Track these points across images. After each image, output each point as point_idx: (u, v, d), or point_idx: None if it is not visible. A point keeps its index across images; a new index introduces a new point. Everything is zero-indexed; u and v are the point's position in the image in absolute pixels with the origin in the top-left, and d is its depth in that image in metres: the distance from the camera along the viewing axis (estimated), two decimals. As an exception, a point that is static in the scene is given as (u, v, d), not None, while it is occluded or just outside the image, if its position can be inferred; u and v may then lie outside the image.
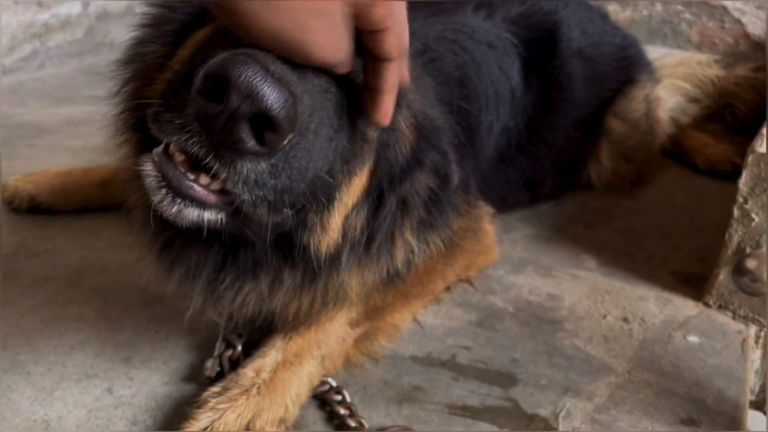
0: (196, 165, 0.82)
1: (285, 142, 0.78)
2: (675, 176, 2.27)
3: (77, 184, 1.82)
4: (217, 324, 1.37)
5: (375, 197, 1.09)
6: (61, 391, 1.24)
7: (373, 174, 1.06)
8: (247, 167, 0.79)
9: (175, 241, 1.08)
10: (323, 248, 1.06)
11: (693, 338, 1.47)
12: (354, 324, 1.33)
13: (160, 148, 0.86)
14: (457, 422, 1.21)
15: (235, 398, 1.14)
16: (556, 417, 1.23)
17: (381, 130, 1.02)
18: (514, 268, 1.70)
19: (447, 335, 1.44)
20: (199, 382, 1.25)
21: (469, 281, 1.61)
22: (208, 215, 0.87)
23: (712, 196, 2.12)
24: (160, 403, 1.22)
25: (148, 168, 0.86)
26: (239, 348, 1.28)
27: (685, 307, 1.58)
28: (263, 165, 0.80)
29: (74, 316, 1.44)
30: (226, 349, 1.28)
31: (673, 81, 2.39)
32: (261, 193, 0.83)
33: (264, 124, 0.75)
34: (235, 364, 1.26)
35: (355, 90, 0.92)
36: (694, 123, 2.41)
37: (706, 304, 1.58)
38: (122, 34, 3.25)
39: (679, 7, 3.58)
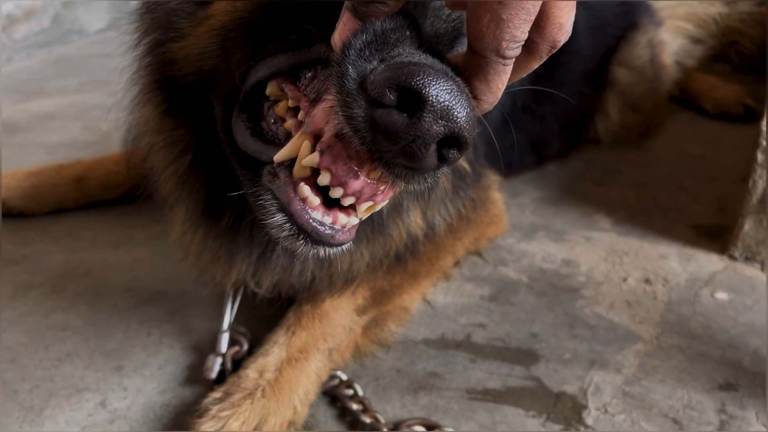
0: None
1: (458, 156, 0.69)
2: (684, 123, 2.16)
3: (50, 184, 1.70)
4: (214, 321, 1.28)
5: None
6: (51, 408, 1.15)
7: None
8: (414, 186, 0.71)
9: (234, 224, 1.01)
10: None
11: (721, 295, 1.38)
12: (361, 311, 1.24)
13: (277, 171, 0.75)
14: (479, 408, 1.12)
15: (238, 404, 1.05)
16: (585, 393, 1.15)
17: None
18: (524, 235, 1.60)
19: (460, 313, 1.35)
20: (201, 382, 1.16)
21: (478, 253, 1.51)
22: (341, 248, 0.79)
23: (725, 141, 2.01)
24: (158, 414, 1.13)
25: (268, 203, 0.75)
26: (245, 347, 1.18)
27: (709, 262, 1.48)
28: (429, 180, 0.71)
29: (59, 325, 1.34)
30: (230, 346, 1.18)
31: (675, 22, 2.26)
32: None
33: (448, 141, 0.65)
34: (239, 363, 1.17)
35: None
36: (699, 65, 2.29)
37: (732, 257, 1.48)
38: (91, 21, 3.12)
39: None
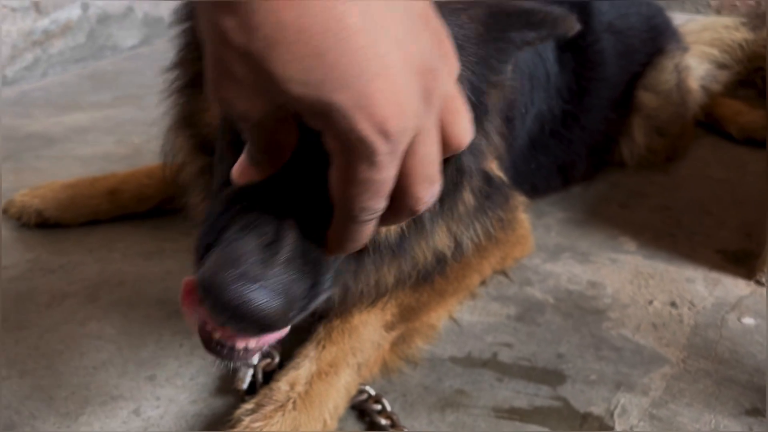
0: None
1: (288, 319, 0.72)
2: (709, 147, 2.17)
3: (84, 195, 1.75)
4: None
5: None
6: (87, 416, 1.18)
7: None
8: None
9: None
10: (383, 235, 1.04)
11: (748, 320, 1.38)
12: (389, 327, 1.26)
13: None
14: (506, 427, 1.13)
15: (270, 415, 1.07)
16: (611, 415, 1.15)
17: None
18: (549, 256, 1.61)
19: (486, 332, 1.36)
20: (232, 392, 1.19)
21: (504, 273, 1.52)
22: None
23: (751, 166, 2.02)
24: (190, 423, 1.16)
25: None
26: (277, 359, 1.21)
27: (735, 287, 1.48)
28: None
29: (94, 334, 1.37)
30: (261, 359, 1.21)
31: (701, 47, 2.27)
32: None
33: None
34: (270, 375, 1.19)
35: None
36: (725, 90, 2.30)
37: (758, 282, 1.48)
38: (125, 37, 3.20)
39: (696, -29, 3.44)
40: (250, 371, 1.20)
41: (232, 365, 0.84)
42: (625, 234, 1.70)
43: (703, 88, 2.16)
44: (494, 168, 1.24)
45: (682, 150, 2.07)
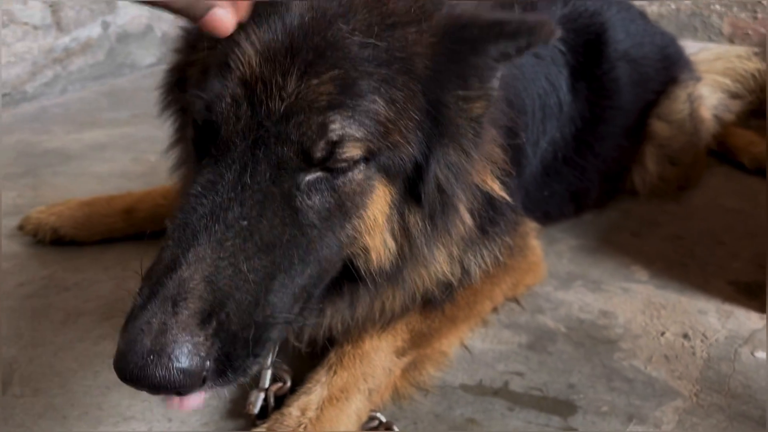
0: None
1: (203, 379, 0.83)
2: (721, 177, 2.17)
3: (100, 214, 1.77)
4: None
5: (405, 200, 1.07)
6: (99, 435, 1.18)
7: (389, 181, 1.03)
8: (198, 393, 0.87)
9: None
10: (375, 264, 1.07)
11: (761, 354, 1.37)
12: (400, 353, 1.26)
13: None
14: (517, 457, 1.13)
15: (281, 440, 1.08)
16: (623, 448, 1.15)
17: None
18: (561, 284, 1.61)
19: (497, 360, 1.36)
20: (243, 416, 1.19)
21: (516, 300, 1.53)
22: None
23: (763, 196, 2.01)
24: (201, 446, 1.16)
25: None
26: (288, 383, 1.21)
27: (748, 320, 1.48)
28: (210, 383, 0.86)
29: (108, 353, 1.38)
30: (273, 382, 1.21)
31: (713, 77, 2.28)
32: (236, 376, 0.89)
33: None
34: (281, 400, 1.20)
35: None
36: (737, 120, 2.30)
37: (772, 316, 1.48)
38: (143, 55, 3.25)
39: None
40: (262, 395, 1.20)
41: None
42: (637, 263, 1.70)
43: (716, 117, 2.17)
44: (496, 188, 1.21)
45: (694, 179, 2.07)
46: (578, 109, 1.67)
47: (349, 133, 0.93)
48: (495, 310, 1.50)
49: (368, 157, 0.98)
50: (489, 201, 1.24)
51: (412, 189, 1.06)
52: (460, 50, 1.03)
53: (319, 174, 0.95)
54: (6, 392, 1.28)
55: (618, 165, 1.88)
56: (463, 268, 1.28)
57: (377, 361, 1.23)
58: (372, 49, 0.97)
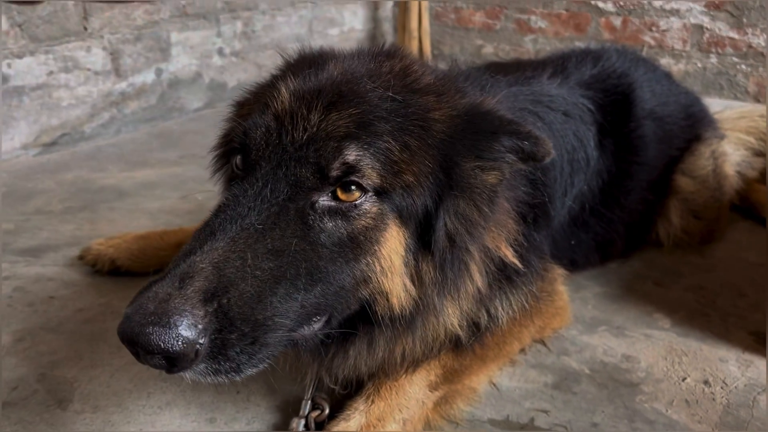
0: None
1: (195, 356, 0.91)
2: (744, 231, 2.23)
3: (154, 247, 1.91)
4: (296, 385, 1.40)
5: (418, 247, 1.16)
6: (152, 451, 1.28)
7: (403, 223, 1.12)
8: (185, 375, 0.96)
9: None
10: (396, 309, 1.15)
11: (780, 403, 1.42)
12: (433, 387, 1.35)
13: None
14: (542, 489, 1.20)
15: (321, 464, 1.17)
16: (643, 486, 1.21)
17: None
18: (586, 328, 1.69)
19: (524, 398, 1.44)
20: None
21: (542, 342, 1.60)
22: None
23: (786, 251, 2.07)
24: (246, 465, 1.25)
25: None
26: (327, 411, 1.31)
27: (768, 369, 1.53)
28: (202, 366, 0.94)
29: (160, 376, 1.49)
30: (312, 409, 1.31)
31: (737, 135, 2.37)
32: (228, 374, 0.97)
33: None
34: (321, 425, 1.29)
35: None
36: (760, 176, 2.37)
37: (791, 367, 1.53)
38: (191, 100, 3.46)
39: (735, 59, 3.57)
40: (302, 421, 1.30)
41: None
42: (660, 311, 1.76)
43: (739, 174, 2.24)
44: (509, 255, 1.30)
45: (717, 233, 2.14)
46: (605, 165, 1.77)
47: (364, 160, 1.06)
48: (523, 351, 1.57)
49: (381, 192, 1.08)
50: (501, 264, 1.33)
51: (424, 237, 1.14)
52: (477, 129, 1.17)
53: (333, 203, 1.06)
54: (67, 409, 1.40)
55: (643, 217, 1.96)
56: (489, 314, 1.37)
57: (411, 393, 1.32)
58: (391, 102, 1.12)
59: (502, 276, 1.35)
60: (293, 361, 1.28)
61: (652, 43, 3.79)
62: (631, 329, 1.69)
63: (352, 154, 1.05)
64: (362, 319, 1.17)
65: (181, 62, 3.34)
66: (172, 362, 0.91)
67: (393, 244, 1.11)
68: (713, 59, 3.63)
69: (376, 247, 1.09)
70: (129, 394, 1.44)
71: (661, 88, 2.04)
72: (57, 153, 2.92)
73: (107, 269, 1.89)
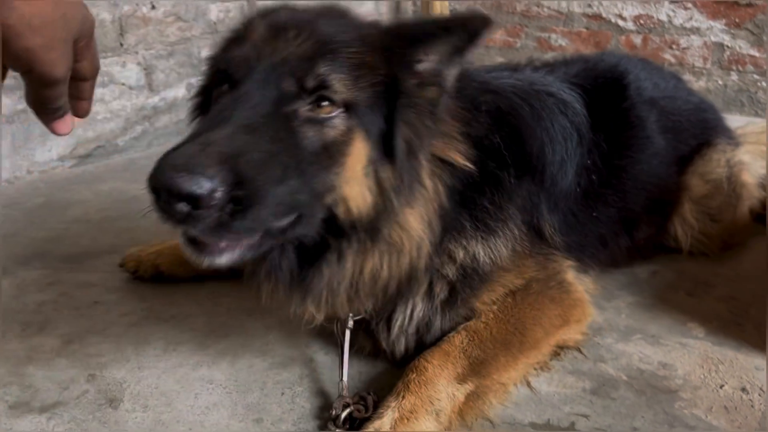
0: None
1: (213, 203, 1.03)
2: (772, 243, 2.25)
3: None
4: (339, 385, 1.44)
5: (381, 152, 1.29)
6: (203, 449, 1.32)
7: (367, 137, 1.26)
8: (201, 225, 1.06)
9: (257, 270, 1.35)
10: (355, 214, 1.27)
11: (818, 410, 1.44)
12: (461, 379, 1.38)
13: None
14: (586, 491, 1.22)
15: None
16: (687, 488, 1.22)
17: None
18: (621, 336, 1.71)
19: (563, 402, 1.46)
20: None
21: (578, 348, 1.63)
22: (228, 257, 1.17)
23: (816, 263, 2.08)
24: (295, 464, 1.28)
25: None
26: (370, 412, 1.35)
27: (804, 377, 1.55)
28: (214, 215, 1.05)
29: (206, 378, 1.53)
30: (356, 403, 1.39)
31: (759, 147, 2.39)
32: (234, 233, 1.10)
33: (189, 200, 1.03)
34: (362, 423, 1.33)
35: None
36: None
37: (827, 375, 1.54)
38: (219, 114, 3.52)
39: (756, 76, 3.60)
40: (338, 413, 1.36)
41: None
42: (693, 320, 1.78)
43: (762, 185, 2.26)
44: (458, 159, 1.40)
45: (738, 238, 2.16)
46: (601, 136, 1.80)
47: (333, 74, 1.22)
48: (557, 355, 1.60)
49: (348, 107, 1.24)
50: (486, 195, 1.48)
51: (386, 148, 1.28)
52: (405, 44, 1.32)
53: (311, 114, 1.21)
54: (118, 408, 1.44)
55: (659, 195, 1.98)
56: (466, 250, 1.47)
57: (440, 386, 1.36)
58: (343, 32, 1.30)
59: (476, 217, 1.48)
60: (276, 291, 1.37)
61: (673, 60, 3.84)
62: (665, 338, 1.71)
63: (322, 68, 1.22)
64: (330, 232, 1.29)
65: (210, 78, 3.42)
66: (195, 204, 1.02)
67: (358, 155, 1.25)
68: (734, 76, 3.67)
69: (344, 158, 1.23)
70: (177, 394, 1.48)
71: (666, 84, 2.09)
72: (92, 164, 3.00)
73: (150, 274, 1.94)
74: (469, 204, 1.47)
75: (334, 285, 1.33)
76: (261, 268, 1.33)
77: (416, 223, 1.35)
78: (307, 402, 1.46)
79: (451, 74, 1.34)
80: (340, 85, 1.22)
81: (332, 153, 1.22)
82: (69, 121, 1.10)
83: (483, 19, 1.27)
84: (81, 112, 1.15)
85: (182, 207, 1.03)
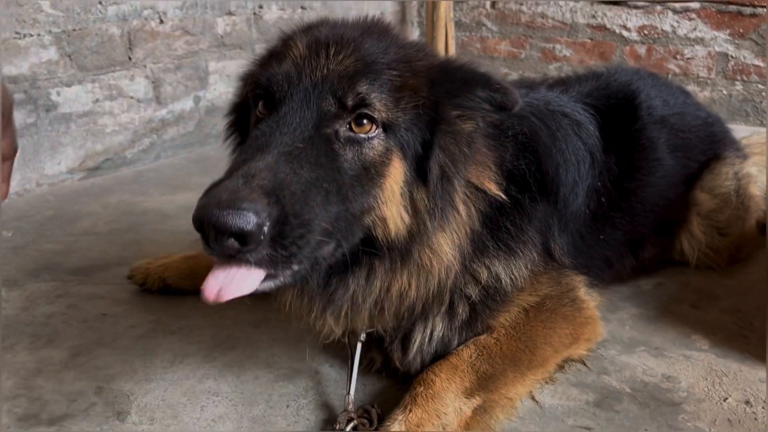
0: None
1: (261, 238, 1.05)
2: (778, 255, 2.25)
3: (203, 266, 1.97)
4: (345, 398, 1.45)
5: (415, 174, 1.31)
6: (209, 462, 1.33)
7: (404, 158, 1.28)
8: (252, 258, 1.08)
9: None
10: (393, 235, 1.28)
11: (823, 423, 1.43)
12: (468, 393, 1.39)
13: None
14: (590, 504, 1.22)
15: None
16: (690, 502, 1.23)
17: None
18: (624, 348, 1.72)
19: (567, 415, 1.46)
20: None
21: (582, 361, 1.63)
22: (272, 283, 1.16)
23: (821, 274, 2.08)
24: (300, 476, 1.29)
25: None
26: (375, 422, 1.36)
27: (809, 390, 1.54)
28: (264, 251, 1.07)
29: (212, 390, 1.55)
30: (361, 416, 1.38)
31: (764, 158, 2.39)
32: (278, 266, 1.11)
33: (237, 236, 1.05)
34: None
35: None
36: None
37: (832, 388, 1.54)
38: (227, 126, 3.56)
39: (760, 86, 3.61)
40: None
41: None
42: (698, 333, 1.78)
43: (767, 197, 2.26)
44: (492, 188, 1.42)
45: (746, 251, 2.16)
46: (612, 159, 1.81)
47: (373, 93, 1.24)
48: (562, 368, 1.60)
49: (387, 127, 1.25)
50: (509, 217, 1.50)
51: (420, 169, 1.30)
52: (453, 79, 1.35)
53: (351, 134, 1.23)
54: (126, 420, 1.45)
55: (666, 216, 1.98)
56: (489, 270, 1.48)
57: (447, 400, 1.36)
58: (384, 50, 1.32)
59: (498, 239, 1.49)
60: (298, 301, 1.39)
61: (677, 71, 3.85)
62: (669, 350, 1.71)
63: (363, 87, 1.23)
64: (364, 249, 1.30)
65: (218, 90, 3.46)
66: (244, 240, 1.04)
67: (395, 176, 1.27)
68: (738, 86, 3.68)
69: (382, 180, 1.25)
70: (183, 407, 1.49)
71: (675, 100, 2.10)
72: (100, 177, 3.03)
73: (157, 287, 1.96)
74: (491, 225, 1.47)
75: (359, 300, 1.34)
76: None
77: (447, 247, 1.35)
78: (312, 414, 1.47)
79: (485, 119, 1.39)
80: (380, 104, 1.24)
81: (371, 174, 1.23)
82: None
83: (517, 97, 1.33)
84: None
85: (231, 243, 1.04)
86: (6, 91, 1.02)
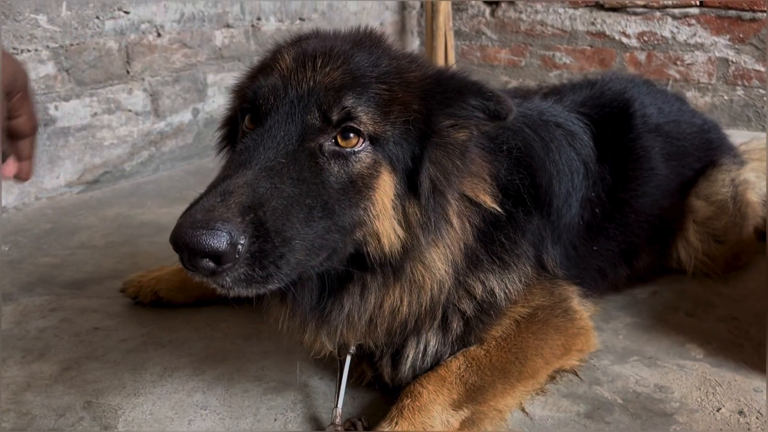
0: None
1: (237, 257, 1.04)
2: (776, 261, 2.22)
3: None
4: (332, 411, 1.44)
5: (406, 188, 1.29)
6: (194, 476, 1.32)
7: (393, 171, 1.26)
8: (228, 277, 1.07)
9: (285, 296, 1.32)
10: (387, 250, 1.26)
11: (818, 434, 1.41)
12: (456, 406, 1.37)
13: None
14: None
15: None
16: None
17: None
18: (617, 358, 1.70)
19: (557, 427, 1.45)
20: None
21: (574, 372, 1.61)
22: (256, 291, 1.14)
23: (819, 281, 2.05)
24: (284, 491, 1.28)
25: None
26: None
27: (804, 400, 1.52)
28: (240, 270, 1.06)
29: (200, 404, 1.54)
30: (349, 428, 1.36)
31: (763, 164, 2.37)
32: (254, 285, 1.10)
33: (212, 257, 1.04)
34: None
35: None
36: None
37: (828, 397, 1.51)
38: (225, 138, 3.57)
39: (762, 91, 3.58)
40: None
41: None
42: (692, 341, 1.76)
43: (765, 203, 2.24)
44: (488, 201, 1.41)
45: (743, 259, 2.13)
46: (607, 169, 1.80)
47: (359, 106, 1.22)
48: (554, 379, 1.59)
49: (374, 140, 1.23)
50: (503, 231, 1.47)
51: (411, 183, 1.28)
52: (446, 89, 1.33)
53: (337, 148, 1.21)
54: (113, 435, 1.45)
55: (661, 223, 1.96)
56: (484, 285, 1.46)
57: (435, 412, 1.35)
58: (374, 62, 1.30)
59: (493, 252, 1.47)
60: (291, 321, 1.37)
61: (678, 77, 3.83)
62: (663, 359, 1.69)
63: (348, 100, 1.22)
64: (355, 265, 1.29)
65: (216, 102, 3.47)
66: (218, 260, 1.03)
67: (385, 189, 1.25)
68: (740, 92, 3.65)
69: (372, 192, 1.23)
70: (171, 421, 1.49)
71: (670, 107, 2.09)
72: (99, 190, 3.05)
73: (149, 300, 1.96)
74: (485, 239, 1.45)
75: (354, 318, 1.32)
76: (279, 291, 1.30)
77: (440, 262, 1.34)
78: (299, 428, 1.46)
79: (479, 128, 1.37)
80: (367, 117, 1.22)
81: (359, 186, 1.22)
82: (12, 164, 1.08)
83: (512, 106, 1.32)
84: (22, 174, 1.11)
85: (206, 263, 1.03)
86: (20, 66, 1.01)
